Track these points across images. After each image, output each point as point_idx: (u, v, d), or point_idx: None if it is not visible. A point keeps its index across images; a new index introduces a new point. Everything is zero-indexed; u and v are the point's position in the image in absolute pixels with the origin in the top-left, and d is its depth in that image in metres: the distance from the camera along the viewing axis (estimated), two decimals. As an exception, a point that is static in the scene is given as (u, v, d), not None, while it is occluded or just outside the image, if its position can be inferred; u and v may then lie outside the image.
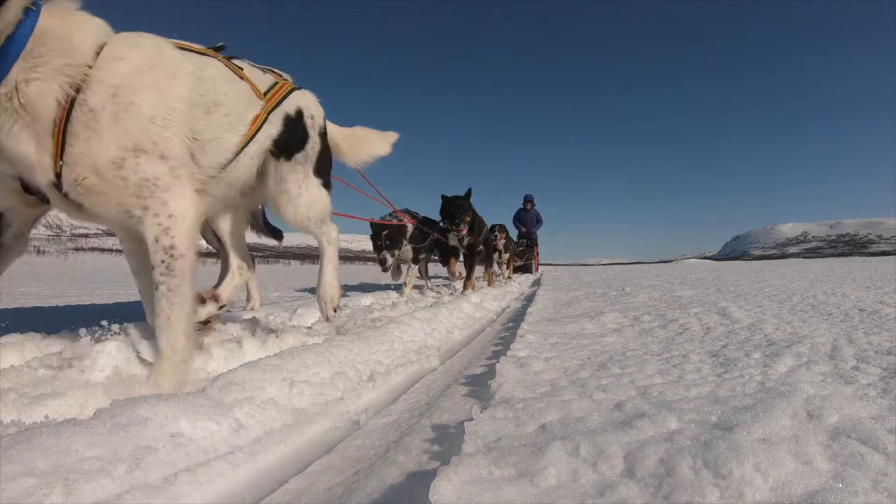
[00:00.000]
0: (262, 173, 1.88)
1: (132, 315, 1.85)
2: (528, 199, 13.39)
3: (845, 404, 1.03)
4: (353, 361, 1.83)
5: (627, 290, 5.19)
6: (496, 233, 7.90)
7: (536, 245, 13.47)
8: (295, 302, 4.27)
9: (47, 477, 0.84)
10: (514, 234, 13.15)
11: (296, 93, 1.96)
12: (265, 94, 1.81)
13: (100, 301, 4.59)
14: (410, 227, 5.38)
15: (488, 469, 0.82)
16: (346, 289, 5.86)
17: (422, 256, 5.88)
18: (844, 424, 0.94)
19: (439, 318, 3.06)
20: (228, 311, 2.24)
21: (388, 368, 1.90)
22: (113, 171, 1.35)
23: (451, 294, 5.21)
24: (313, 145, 1.99)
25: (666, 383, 1.34)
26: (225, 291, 2.05)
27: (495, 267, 8.15)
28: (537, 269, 13.86)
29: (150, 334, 1.58)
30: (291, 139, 1.89)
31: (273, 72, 1.97)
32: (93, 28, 1.36)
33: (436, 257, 6.35)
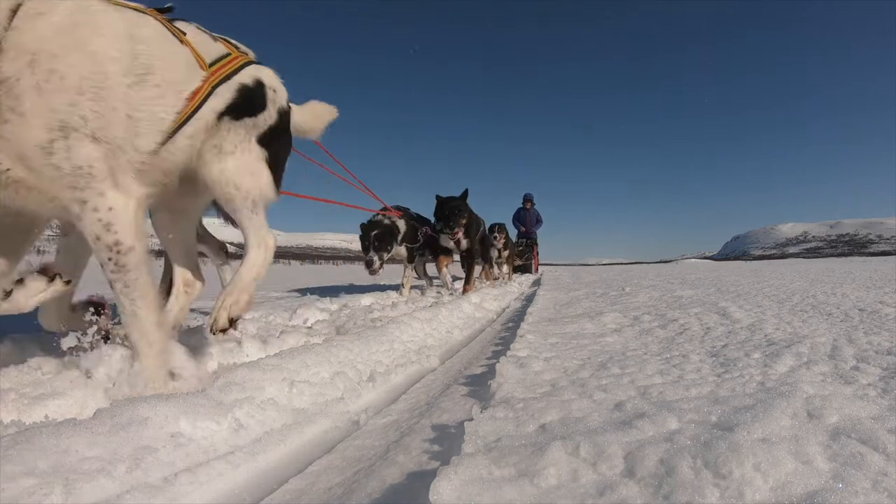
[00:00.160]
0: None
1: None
2: (527, 199, 13.27)
3: (845, 404, 1.03)
4: (353, 361, 1.83)
5: (627, 290, 5.19)
6: (496, 234, 7.74)
7: (536, 245, 13.41)
8: (295, 302, 4.27)
9: (47, 477, 0.84)
10: (513, 233, 13.11)
11: (254, 66, 1.71)
12: (211, 64, 1.55)
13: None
14: (403, 227, 5.13)
15: (488, 469, 0.82)
16: (346, 289, 5.85)
17: (418, 255, 5.67)
18: (844, 424, 0.94)
19: (439, 318, 3.06)
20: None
21: (388, 368, 1.91)
22: (42, 159, 1.16)
23: (451, 294, 5.20)
24: (267, 118, 1.70)
25: (666, 383, 1.34)
26: (171, 308, 1.75)
27: (495, 268, 8.05)
28: (537, 270, 13.82)
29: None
30: (243, 105, 1.62)
31: (227, 41, 1.72)
32: None
33: (431, 257, 6.07)
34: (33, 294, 1.47)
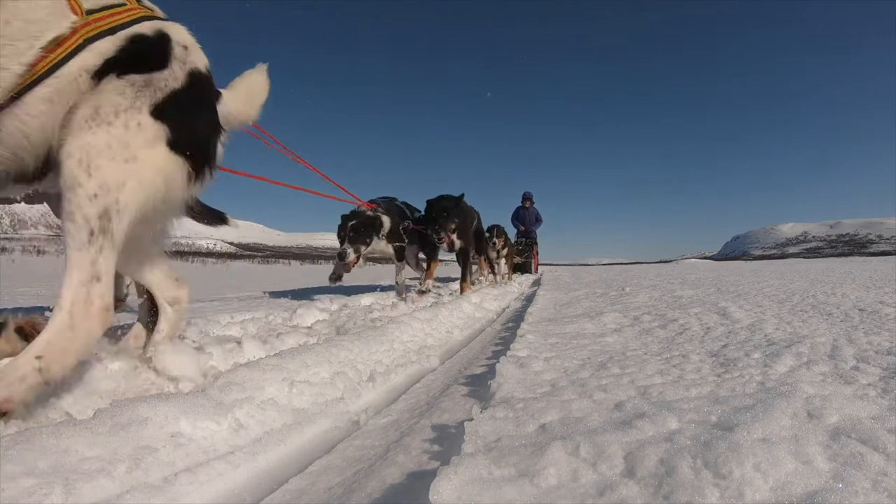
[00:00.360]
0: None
1: (132, 315, 1.85)
2: (526, 197, 13.14)
3: (845, 404, 1.03)
4: (353, 361, 1.83)
5: (627, 289, 5.19)
6: (494, 238, 7.63)
7: (536, 244, 13.33)
8: (295, 302, 4.27)
9: (47, 477, 0.84)
10: (512, 232, 13.07)
11: (160, 21, 1.41)
12: (92, 12, 1.24)
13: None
14: (388, 223, 4.75)
15: (488, 469, 0.82)
16: (346, 289, 5.84)
17: (412, 252, 5.39)
18: (844, 424, 0.93)
19: (439, 318, 3.06)
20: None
21: (388, 368, 1.91)
22: None
23: (451, 294, 5.20)
24: (169, 79, 1.32)
25: (666, 383, 1.34)
26: (161, 336, 1.60)
27: (495, 268, 7.99)
28: (537, 270, 13.78)
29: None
30: (132, 60, 1.27)
31: None
32: None
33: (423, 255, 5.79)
34: None
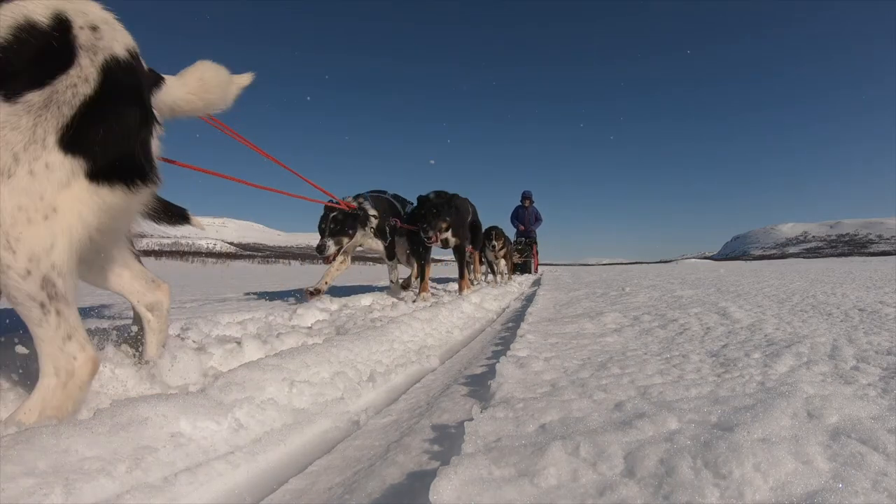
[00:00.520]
0: None
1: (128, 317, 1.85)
2: (525, 196, 13.03)
3: (845, 404, 1.03)
4: (353, 361, 1.83)
5: (627, 290, 5.19)
6: (494, 241, 7.59)
7: (535, 244, 13.26)
8: (295, 302, 4.27)
9: (47, 477, 0.84)
10: (511, 232, 13.02)
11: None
12: None
13: (99, 301, 4.59)
14: (376, 215, 4.52)
15: (488, 469, 0.82)
16: (346, 289, 5.84)
17: (403, 249, 5.12)
18: (844, 424, 0.93)
19: (439, 318, 3.06)
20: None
21: (388, 368, 1.91)
22: None
23: (451, 294, 5.20)
24: (76, 84, 1.03)
25: (666, 383, 1.34)
26: (151, 349, 1.53)
27: (495, 268, 7.98)
28: (536, 269, 13.76)
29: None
30: (22, 67, 0.98)
31: None
32: None
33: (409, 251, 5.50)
34: None
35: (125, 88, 1.16)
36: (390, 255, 4.84)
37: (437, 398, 1.55)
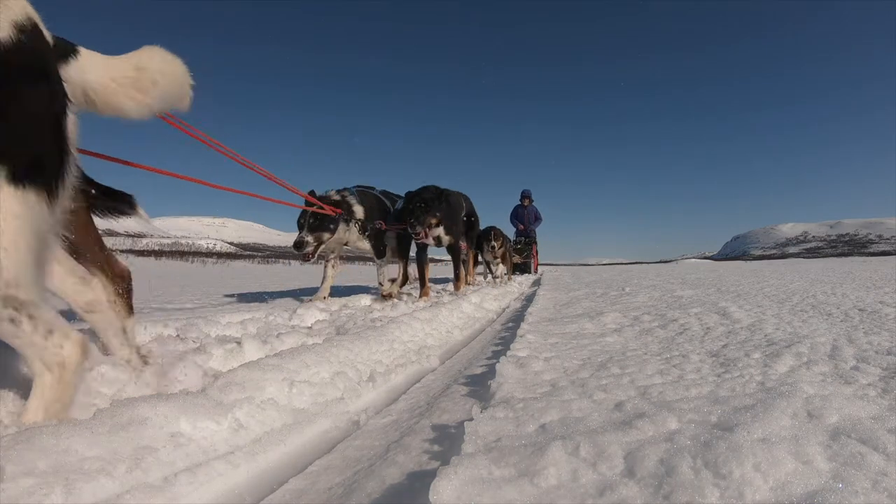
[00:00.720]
0: None
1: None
2: (525, 195, 12.92)
3: (845, 404, 1.03)
4: (353, 361, 1.83)
5: (627, 290, 5.19)
6: (492, 242, 7.46)
7: (535, 243, 13.19)
8: (295, 302, 4.27)
9: (47, 477, 0.84)
10: (510, 232, 12.97)
11: None
12: None
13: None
14: (360, 211, 4.23)
15: (488, 469, 0.82)
16: (346, 289, 5.84)
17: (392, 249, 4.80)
18: (844, 424, 0.93)
19: (439, 318, 3.06)
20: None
21: (388, 368, 1.91)
22: None
23: (450, 294, 5.19)
24: None
25: (666, 383, 1.34)
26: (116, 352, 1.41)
27: (494, 269, 7.87)
28: (536, 269, 13.73)
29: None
30: None
31: None
32: None
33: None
34: None
35: (27, 67, 1.00)
36: (379, 253, 4.57)
37: (437, 398, 1.55)
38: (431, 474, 0.81)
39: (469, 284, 5.69)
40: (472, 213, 5.79)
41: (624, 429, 0.95)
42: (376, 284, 5.24)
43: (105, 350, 1.48)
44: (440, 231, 4.72)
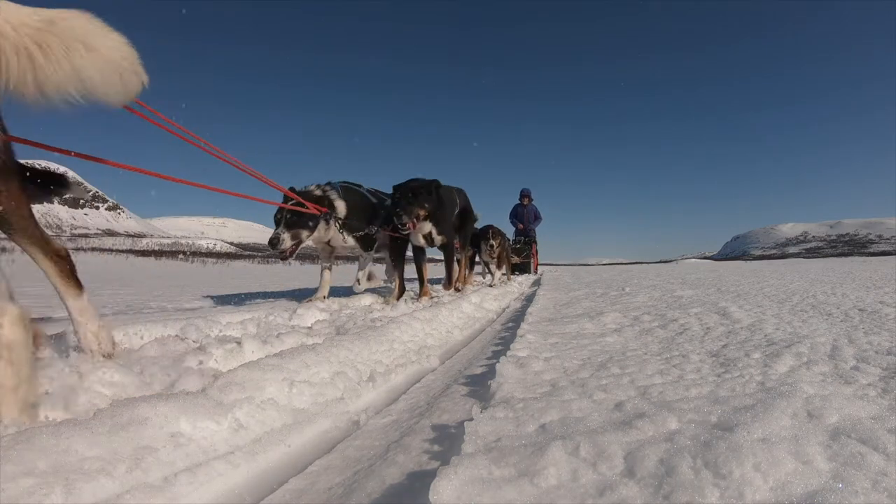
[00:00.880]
0: None
1: (129, 317, 1.85)
2: (524, 194, 12.76)
3: (845, 404, 1.03)
4: (353, 361, 1.83)
5: (627, 290, 5.19)
6: (491, 241, 7.24)
7: (535, 243, 13.10)
8: (295, 302, 4.27)
9: (47, 477, 0.84)
10: (509, 231, 12.89)
11: None
12: None
13: (98, 301, 4.59)
14: (341, 207, 3.93)
15: (488, 469, 0.82)
16: (346, 289, 5.84)
17: (376, 251, 4.52)
18: (844, 424, 0.93)
19: (439, 318, 3.06)
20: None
21: (388, 368, 1.91)
22: None
23: (450, 294, 5.19)
24: None
25: (666, 383, 1.34)
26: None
27: (492, 270, 7.61)
28: (536, 270, 13.68)
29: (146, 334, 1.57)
30: None
31: None
32: None
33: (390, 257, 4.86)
34: None
35: None
36: (366, 247, 4.26)
37: (437, 398, 1.55)
38: (431, 474, 0.81)
39: (458, 290, 5.05)
40: (467, 209, 5.33)
41: (624, 429, 0.95)
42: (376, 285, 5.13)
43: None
44: (430, 228, 4.35)
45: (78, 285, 1.42)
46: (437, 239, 4.52)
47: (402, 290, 4.57)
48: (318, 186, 4.00)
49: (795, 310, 2.91)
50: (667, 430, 0.95)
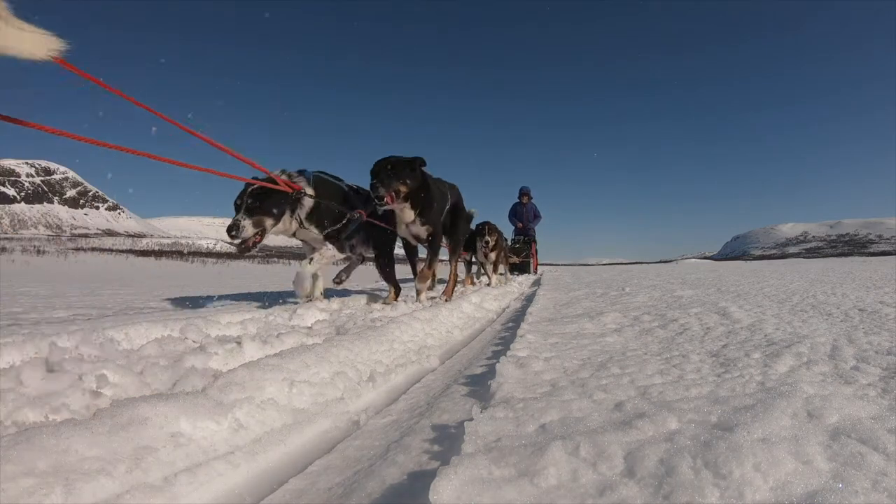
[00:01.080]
0: None
1: (129, 317, 1.85)
2: (524, 192, 12.63)
3: (845, 404, 1.03)
4: (353, 361, 1.83)
5: (627, 290, 5.19)
6: (486, 237, 6.81)
7: (535, 242, 13.00)
8: (295, 302, 4.27)
9: (47, 477, 0.84)
10: (509, 230, 12.81)
11: None
12: None
13: (98, 302, 4.59)
14: (309, 199, 3.49)
15: (488, 469, 0.82)
16: (346, 290, 5.84)
17: (348, 245, 4.02)
18: (844, 424, 0.94)
19: (439, 318, 3.06)
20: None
21: (388, 368, 1.91)
22: None
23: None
24: None
25: (666, 383, 1.34)
26: None
27: (488, 270, 7.12)
28: (536, 269, 13.64)
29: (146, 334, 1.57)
30: None
31: None
32: None
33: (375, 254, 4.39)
34: None
35: None
36: (340, 249, 3.81)
37: (437, 398, 1.55)
38: (431, 474, 0.81)
39: (443, 294, 4.44)
40: (459, 207, 4.80)
41: (624, 429, 0.95)
42: (376, 285, 4.94)
43: None
44: (414, 215, 3.85)
45: None
46: (421, 229, 3.98)
47: (397, 290, 4.28)
48: (284, 172, 3.52)
49: (795, 310, 2.91)
50: (667, 430, 0.95)
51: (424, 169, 3.86)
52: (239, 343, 1.89)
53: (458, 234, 4.78)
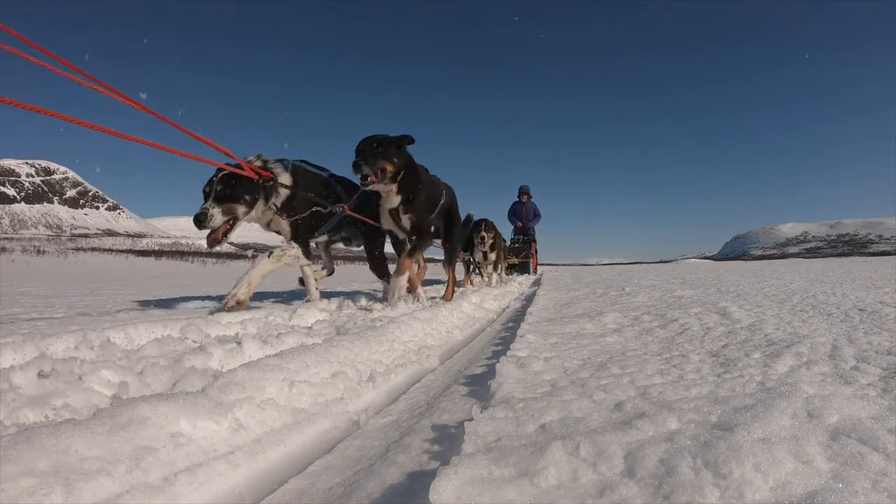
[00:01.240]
0: None
1: (129, 317, 1.85)
2: (523, 191, 12.54)
3: (845, 404, 1.03)
4: (353, 361, 1.83)
5: (627, 290, 5.19)
6: (483, 233, 6.60)
7: (535, 242, 12.93)
8: (295, 302, 4.27)
9: (47, 477, 0.84)
10: (508, 230, 12.77)
11: None
12: None
13: (98, 302, 4.59)
14: (288, 183, 3.24)
15: (488, 469, 0.82)
16: (346, 289, 5.84)
17: (329, 238, 3.79)
18: (844, 424, 0.93)
19: (439, 318, 3.06)
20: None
21: (388, 368, 1.90)
22: None
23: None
24: None
25: (666, 383, 1.34)
26: None
27: (485, 271, 6.93)
28: (536, 269, 13.61)
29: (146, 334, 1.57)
30: None
31: None
32: None
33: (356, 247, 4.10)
34: None
35: None
36: (296, 234, 3.52)
37: (437, 398, 1.55)
38: (431, 474, 0.81)
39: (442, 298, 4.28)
40: (453, 209, 4.53)
41: (624, 429, 0.95)
42: (375, 285, 4.79)
43: None
44: (398, 202, 3.58)
45: None
46: (404, 218, 3.65)
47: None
48: (259, 157, 3.25)
49: (795, 310, 2.91)
50: (667, 430, 0.95)
51: (418, 164, 3.68)
52: (239, 343, 1.88)
53: (453, 239, 4.58)
